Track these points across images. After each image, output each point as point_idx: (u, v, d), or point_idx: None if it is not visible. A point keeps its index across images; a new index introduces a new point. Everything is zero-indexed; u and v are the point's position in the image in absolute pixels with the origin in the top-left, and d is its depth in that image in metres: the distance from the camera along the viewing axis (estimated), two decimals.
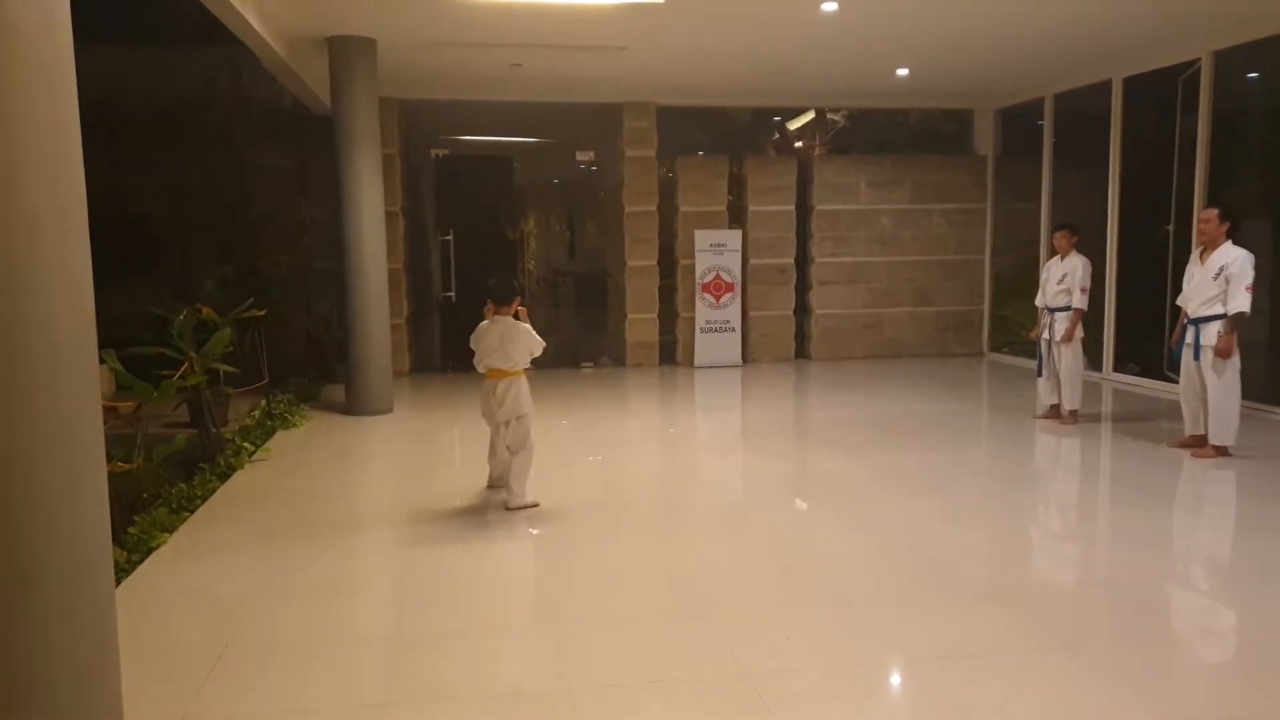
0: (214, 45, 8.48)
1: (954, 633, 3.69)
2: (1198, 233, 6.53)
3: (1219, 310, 6.27)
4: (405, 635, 3.77)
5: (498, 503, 5.52)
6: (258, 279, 9.88)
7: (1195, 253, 6.63)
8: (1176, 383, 6.84)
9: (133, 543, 4.64)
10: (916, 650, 3.55)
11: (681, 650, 3.55)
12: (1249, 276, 6.16)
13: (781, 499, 5.88)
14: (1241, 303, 6.15)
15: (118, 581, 4.21)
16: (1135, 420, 7.91)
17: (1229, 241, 6.33)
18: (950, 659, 3.46)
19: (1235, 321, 6.22)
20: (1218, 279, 6.25)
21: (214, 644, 3.59)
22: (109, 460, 5.03)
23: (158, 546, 4.71)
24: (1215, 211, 6.40)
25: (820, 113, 12.99)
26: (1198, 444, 6.61)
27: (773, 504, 5.77)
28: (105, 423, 5.24)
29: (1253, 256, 6.23)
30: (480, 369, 5.46)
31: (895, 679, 3.40)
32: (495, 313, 5.39)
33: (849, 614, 3.89)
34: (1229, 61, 8.54)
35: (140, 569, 4.44)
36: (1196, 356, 6.43)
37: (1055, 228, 7.97)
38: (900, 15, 7.75)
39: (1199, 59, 8.61)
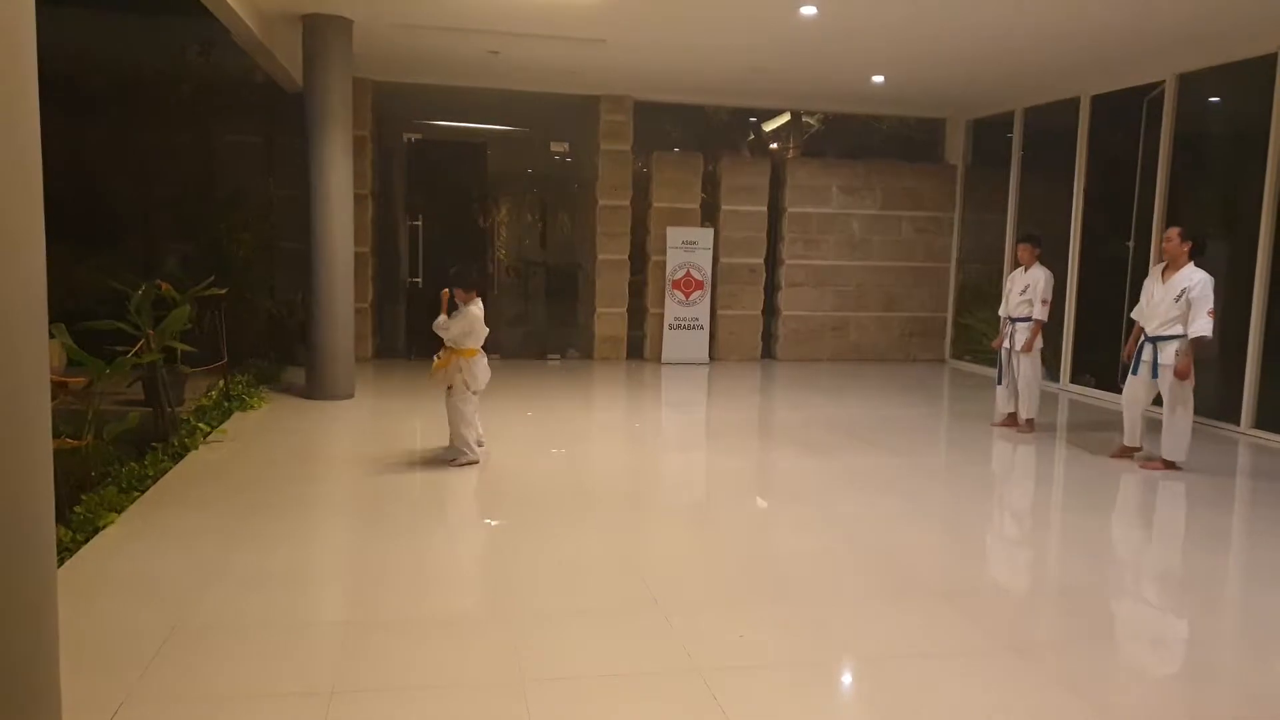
0: (185, 17, 8.32)
1: (907, 633, 3.74)
2: (1163, 251, 6.55)
3: (1178, 330, 6.33)
4: (357, 623, 3.73)
5: (455, 491, 5.50)
6: (221, 257, 9.73)
7: (1156, 269, 6.66)
8: None
9: (79, 522, 4.55)
10: (869, 649, 3.59)
11: (635, 644, 3.55)
12: (1210, 301, 6.20)
13: (743, 497, 5.91)
14: (1203, 327, 6.19)
15: (62, 561, 4.13)
16: (1088, 430, 8.04)
17: (1191, 263, 6.37)
18: (902, 659, 3.50)
19: (1197, 345, 6.30)
20: (1179, 300, 6.30)
21: (160, 627, 3.53)
22: (57, 436, 4.93)
23: (105, 526, 4.63)
24: (1177, 230, 6.45)
25: (796, 115, 13.05)
26: (1127, 454, 6.79)
27: (734, 501, 5.80)
28: (55, 398, 5.14)
29: (1213, 279, 6.28)
30: None
31: (847, 678, 3.43)
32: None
33: (805, 612, 3.92)
34: (1193, 85, 8.70)
35: (86, 549, 4.35)
36: (1155, 374, 6.51)
37: (1019, 239, 8.08)
38: (878, 24, 7.80)
39: (1164, 80, 8.77)
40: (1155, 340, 6.48)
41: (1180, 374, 6.33)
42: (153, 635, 3.46)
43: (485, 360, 6.12)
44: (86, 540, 4.45)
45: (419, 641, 3.53)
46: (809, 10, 7.33)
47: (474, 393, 6.02)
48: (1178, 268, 6.41)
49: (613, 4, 7.31)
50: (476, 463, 6.07)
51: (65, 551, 4.25)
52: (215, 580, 4.07)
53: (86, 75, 9.96)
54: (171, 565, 4.26)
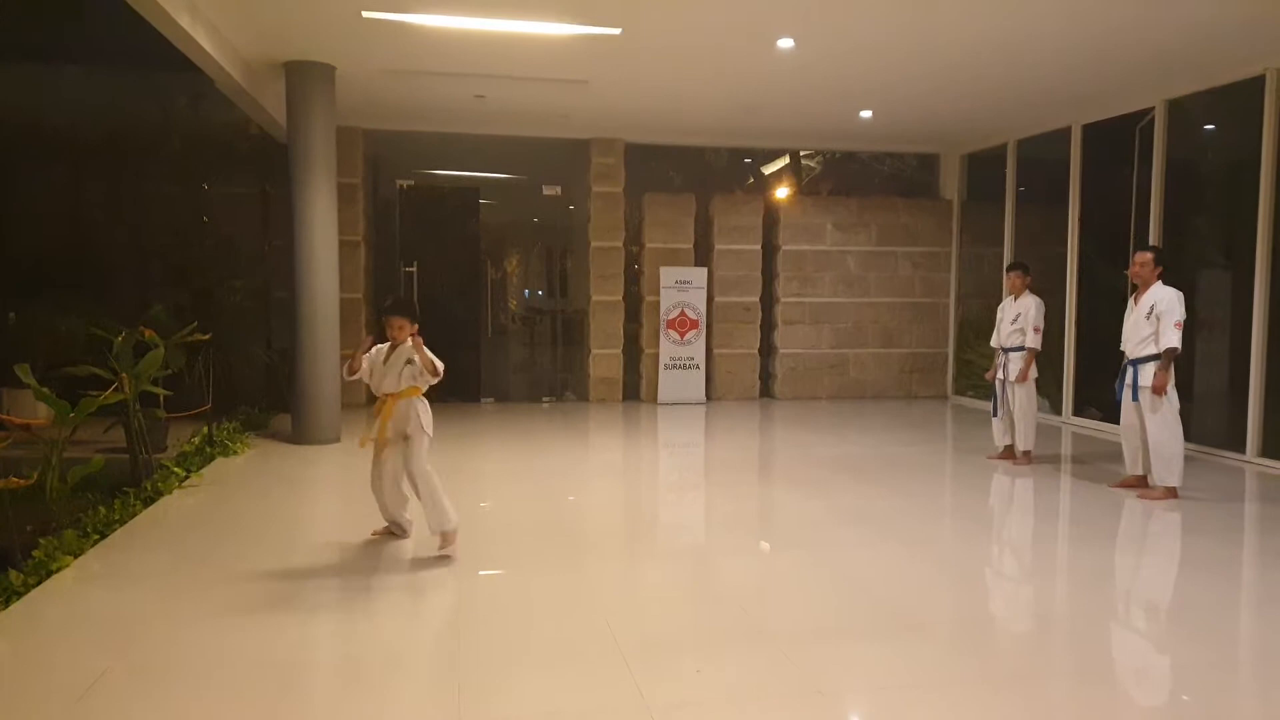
0: (181, 72, 8.41)
1: (888, 667, 3.56)
2: (1132, 274, 6.54)
3: (1154, 350, 6.27)
4: (298, 669, 3.59)
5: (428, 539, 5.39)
6: (213, 306, 9.75)
7: (1132, 296, 6.63)
8: None
9: (33, 566, 4.45)
10: (847, 685, 3.41)
11: (586, 684, 3.39)
12: (1177, 313, 6.19)
13: (738, 536, 5.71)
14: (1172, 338, 6.16)
15: (7, 604, 4.03)
16: (1088, 462, 7.81)
17: (1159, 282, 6.36)
18: (881, 693, 3.32)
19: (1168, 357, 6.21)
20: (1150, 318, 6.29)
21: (93, 669, 3.40)
22: (9, 476, 4.87)
23: (60, 569, 4.52)
24: (1150, 255, 6.44)
25: (794, 157, 13.04)
26: (1139, 484, 6.57)
27: (728, 541, 5.60)
28: (6, 439, 5.09)
29: (1181, 294, 6.27)
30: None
31: (819, 715, 3.25)
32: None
33: (787, 650, 3.72)
34: (1184, 111, 8.62)
35: (35, 591, 4.24)
36: (1135, 397, 6.40)
37: (1008, 268, 7.97)
38: (858, 55, 7.79)
39: (1153, 107, 8.69)
40: (1135, 363, 6.40)
41: (1155, 389, 6.21)
42: (84, 677, 3.34)
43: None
44: (38, 583, 4.34)
45: (364, 688, 3.38)
46: (786, 43, 7.33)
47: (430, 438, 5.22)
48: (1147, 288, 6.39)
49: (589, 41, 7.33)
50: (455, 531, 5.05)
51: (14, 595, 4.16)
52: (160, 626, 3.92)
53: (82, 130, 10.12)
54: (118, 607, 4.13)
